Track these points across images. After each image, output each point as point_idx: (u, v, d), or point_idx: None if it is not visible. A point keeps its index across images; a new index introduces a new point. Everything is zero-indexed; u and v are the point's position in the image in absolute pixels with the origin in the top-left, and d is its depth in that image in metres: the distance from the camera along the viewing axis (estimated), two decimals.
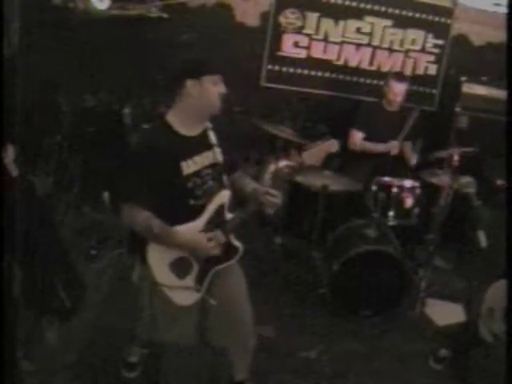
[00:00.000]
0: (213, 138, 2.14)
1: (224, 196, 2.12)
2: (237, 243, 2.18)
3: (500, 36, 4.28)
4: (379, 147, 3.95)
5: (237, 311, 2.27)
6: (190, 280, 2.08)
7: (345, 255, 3.21)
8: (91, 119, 4.17)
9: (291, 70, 4.46)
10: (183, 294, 2.08)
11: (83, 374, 2.56)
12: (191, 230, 2.01)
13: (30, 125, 2.57)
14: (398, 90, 3.89)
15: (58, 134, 3.93)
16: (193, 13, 4.16)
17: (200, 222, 2.05)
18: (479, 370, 2.50)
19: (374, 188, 3.52)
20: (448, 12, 4.55)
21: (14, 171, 2.29)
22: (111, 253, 3.71)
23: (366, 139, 4.03)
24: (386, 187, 3.51)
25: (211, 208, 2.08)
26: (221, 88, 2.02)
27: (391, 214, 3.48)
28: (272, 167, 4.06)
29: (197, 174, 2.05)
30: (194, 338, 2.22)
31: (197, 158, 2.06)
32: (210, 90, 2.00)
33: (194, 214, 2.05)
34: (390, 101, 3.95)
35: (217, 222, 2.08)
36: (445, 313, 3.41)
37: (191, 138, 2.07)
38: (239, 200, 2.23)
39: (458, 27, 4.60)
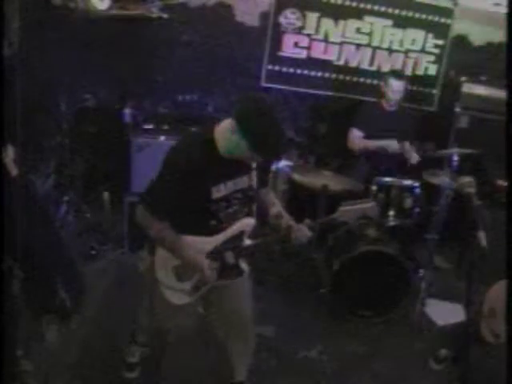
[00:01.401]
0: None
1: (247, 224, 2.08)
2: (244, 266, 2.15)
3: (500, 36, 4.29)
4: (378, 143, 3.92)
5: (237, 318, 2.27)
6: (188, 285, 2.10)
7: (345, 255, 3.21)
8: (91, 119, 4.17)
9: (291, 69, 4.45)
10: (177, 294, 2.10)
11: (83, 373, 2.56)
12: (197, 249, 1.99)
13: (29, 125, 2.56)
14: (396, 88, 3.89)
15: (58, 134, 3.93)
16: (193, 13, 4.16)
17: (214, 239, 2.04)
18: (479, 370, 2.50)
19: (373, 188, 3.52)
20: (448, 12, 4.54)
21: (14, 171, 2.29)
22: (111, 253, 3.72)
23: (365, 138, 4.02)
24: (386, 187, 3.51)
25: (230, 232, 2.05)
26: (257, 158, 1.89)
27: (391, 213, 3.48)
28: (272, 167, 4.05)
29: (225, 198, 1.99)
30: (191, 329, 2.26)
31: (230, 183, 1.98)
32: (245, 154, 1.85)
33: (212, 233, 2.03)
34: (388, 99, 3.95)
35: (232, 245, 2.06)
36: (445, 313, 3.41)
37: (230, 160, 1.91)
38: (262, 222, 2.20)
39: (457, 27, 4.59)
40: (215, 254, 2.05)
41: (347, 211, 2.16)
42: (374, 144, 3.92)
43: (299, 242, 2.11)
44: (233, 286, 2.19)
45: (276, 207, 2.22)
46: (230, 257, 2.06)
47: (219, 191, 1.95)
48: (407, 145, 4.05)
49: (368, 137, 3.99)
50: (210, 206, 1.96)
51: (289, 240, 2.11)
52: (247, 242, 2.10)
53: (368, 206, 2.28)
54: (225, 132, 1.87)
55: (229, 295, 2.22)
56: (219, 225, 2.03)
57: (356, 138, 3.99)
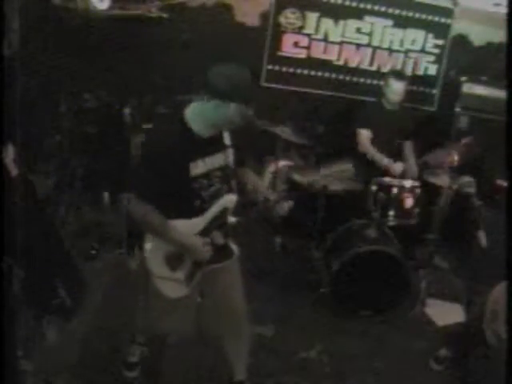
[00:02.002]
0: (227, 139, 2.10)
1: (229, 200, 2.10)
2: (234, 247, 2.18)
3: (500, 36, 4.28)
4: (383, 161, 3.81)
5: (231, 308, 2.27)
6: (180, 274, 2.10)
7: (345, 255, 3.21)
8: (91, 119, 4.17)
9: (291, 69, 4.45)
10: (173, 286, 2.10)
11: (83, 373, 2.56)
12: (187, 231, 2.01)
13: (29, 125, 2.56)
14: (397, 89, 3.88)
15: (58, 133, 3.93)
16: (193, 13, 4.15)
17: (201, 221, 2.05)
18: (479, 370, 2.50)
19: (373, 188, 3.52)
20: (448, 12, 4.54)
21: (14, 171, 2.29)
22: (111, 253, 3.72)
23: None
24: (386, 187, 3.51)
25: (214, 210, 2.07)
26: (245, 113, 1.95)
27: (391, 213, 3.48)
28: (272, 167, 4.06)
29: (205, 175, 2.03)
30: (190, 331, 2.26)
31: (207, 160, 2.03)
32: (233, 116, 1.92)
33: (197, 213, 2.05)
34: (389, 100, 3.95)
35: (218, 224, 2.08)
36: (445, 313, 3.41)
37: (205, 138, 2.01)
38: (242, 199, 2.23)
39: (457, 27, 4.59)
40: (203, 235, 2.05)
41: (326, 175, 2.18)
42: (371, 154, 3.90)
43: (280, 213, 2.15)
44: (222, 273, 2.20)
45: (253, 182, 2.27)
46: (217, 237, 2.08)
47: (197, 167, 2.00)
48: (408, 145, 4.05)
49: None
50: (192, 184, 2.00)
51: (270, 212, 2.16)
52: (231, 219, 2.12)
53: (346, 167, 2.30)
54: (197, 108, 1.97)
55: (219, 282, 2.22)
56: (203, 205, 2.05)
57: (365, 139, 3.95)
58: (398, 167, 3.75)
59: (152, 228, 2.00)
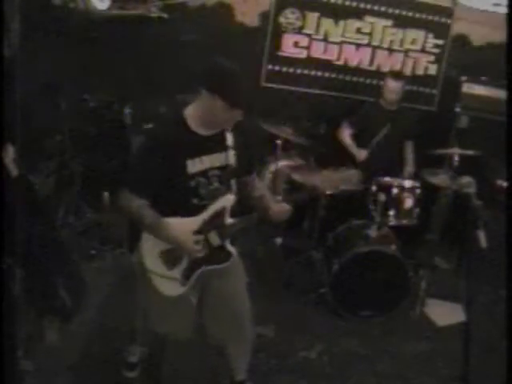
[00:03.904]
0: (229, 139, 2.09)
1: (228, 200, 2.09)
2: (231, 249, 2.15)
3: (500, 36, 4.27)
4: (353, 149, 4.02)
5: (234, 310, 2.26)
6: (177, 272, 2.09)
7: (345, 255, 3.21)
8: (91, 119, 4.17)
9: (291, 70, 4.45)
10: (169, 284, 2.10)
11: (83, 373, 2.56)
12: (181, 227, 1.99)
13: (29, 125, 2.56)
14: (392, 88, 3.89)
15: (59, 134, 3.93)
16: (193, 13, 4.16)
17: (197, 219, 2.05)
18: (479, 369, 2.49)
19: (373, 188, 3.52)
20: (448, 12, 4.54)
21: (14, 171, 2.29)
22: (111, 253, 3.72)
23: (364, 138, 4.02)
24: (386, 187, 3.51)
25: (212, 209, 2.06)
26: (233, 114, 1.94)
27: (391, 213, 3.48)
28: (272, 167, 4.06)
29: (203, 173, 2.03)
30: (189, 332, 2.25)
31: (205, 158, 2.03)
32: (220, 113, 1.92)
33: (194, 212, 2.04)
34: (387, 99, 3.95)
35: (215, 224, 2.07)
36: (445, 313, 3.41)
37: (205, 136, 2.01)
38: (246, 204, 2.22)
39: (458, 27, 4.59)
40: (200, 235, 2.05)
41: (328, 180, 2.16)
42: (351, 147, 4.03)
43: (279, 220, 2.17)
44: (224, 277, 2.18)
45: (258, 191, 2.25)
46: (214, 237, 2.07)
47: (195, 165, 2.00)
48: (408, 144, 4.06)
49: (367, 136, 3.98)
50: (189, 182, 2.00)
51: (269, 219, 2.15)
52: (229, 220, 2.10)
53: (350, 172, 2.28)
54: (196, 106, 1.99)
55: (221, 287, 2.21)
56: (201, 203, 2.04)
57: (344, 133, 4.09)
58: (361, 154, 3.90)
59: (145, 223, 1.99)
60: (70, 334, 2.80)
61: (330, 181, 2.20)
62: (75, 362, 2.62)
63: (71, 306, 2.86)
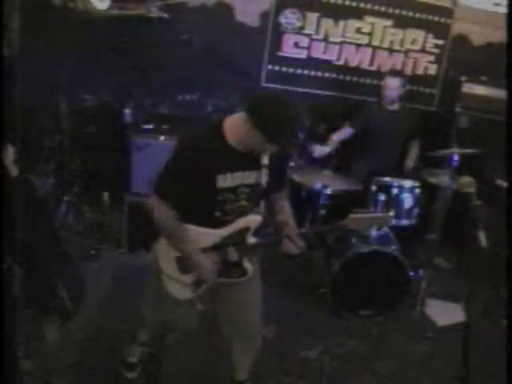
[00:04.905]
0: (265, 159, 1.98)
1: (252, 221, 2.05)
2: (248, 266, 2.11)
3: (500, 36, 4.28)
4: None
5: (245, 323, 2.26)
6: (189, 278, 2.09)
7: (345, 255, 3.21)
8: (91, 119, 4.18)
9: (291, 70, 4.45)
10: (179, 288, 2.11)
11: (83, 373, 2.56)
12: (203, 240, 2.01)
13: (29, 125, 2.56)
14: (391, 84, 3.88)
15: (58, 134, 3.93)
16: (193, 13, 4.16)
17: (219, 232, 2.03)
18: (479, 370, 2.50)
19: (373, 188, 3.52)
20: (448, 12, 4.54)
21: (14, 171, 2.28)
22: (111, 253, 3.72)
23: (365, 138, 4.02)
24: (386, 187, 3.51)
25: (235, 227, 2.03)
26: (269, 148, 1.86)
27: (391, 214, 3.47)
28: None
29: (232, 189, 1.97)
30: (196, 327, 2.26)
31: (237, 175, 1.96)
32: (257, 143, 1.83)
33: (216, 225, 2.02)
34: (386, 97, 3.94)
35: (236, 241, 2.04)
36: (445, 313, 3.41)
37: (240, 152, 1.91)
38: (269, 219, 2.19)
39: (457, 27, 4.59)
40: (218, 248, 2.04)
41: (358, 219, 2.11)
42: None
43: (288, 253, 2.08)
44: (239, 289, 2.16)
45: (283, 215, 2.16)
46: (232, 253, 2.04)
47: (225, 181, 1.94)
48: (414, 144, 4.04)
49: (368, 136, 3.99)
50: (216, 196, 1.96)
51: (280, 249, 2.08)
52: (252, 239, 2.07)
53: (381, 215, 2.23)
54: (236, 122, 1.89)
55: (234, 298, 2.20)
56: (224, 217, 2.01)
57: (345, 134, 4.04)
58: (316, 149, 3.86)
59: (169, 234, 2.00)
60: (70, 334, 2.80)
61: (360, 222, 2.15)
62: (75, 362, 2.62)
63: (71, 305, 2.86)
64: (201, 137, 1.94)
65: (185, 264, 2.07)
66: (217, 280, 2.06)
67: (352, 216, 2.07)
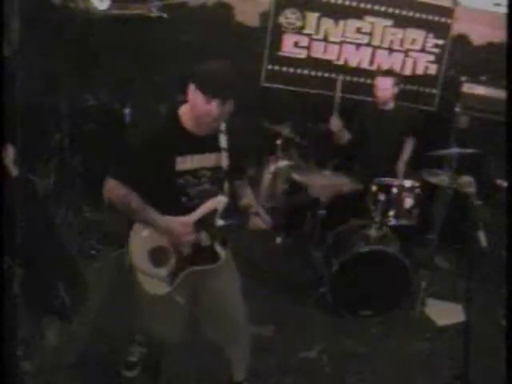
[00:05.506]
0: (223, 141, 2.07)
1: (219, 201, 2.08)
2: (220, 250, 2.13)
3: (500, 36, 4.29)
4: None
5: (227, 313, 2.25)
6: (163, 271, 2.09)
7: (345, 255, 3.21)
8: (91, 119, 4.17)
9: (291, 69, 4.46)
10: (155, 283, 2.10)
11: (83, 373, 2.56)
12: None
13: (30, 125, 2.57)
14: (382, 85, 3.83)
15: (58, 133, 3.93)
16: (193, 13, 4.16)
17: (188, 219, 2.04)
18: (479, 369, 2.50)
19: (373, 188, 3.52)
20: (448, 12, 4.55)
21: (14, 171, 2.29)
22: (111, 252, 3.72)
23: (359, 139, 4.00)
24: (386, 187, 3.51)
25: (203, 210, 2.05)
26: (211, 108, 1.89)
27: (391, 214, 3.48)
28: (272, 167, 4.06)
29: (192, 172, 2.02)
30: (178, 335, 2.25)
31: (196, 157, 2.02)
32: (201, 106, 1.90)
33: (183, 211, 2.04)
34: (378, 97, 3.91)
35: (205, 224, 2.06)
36: (445, 313, 3.41)
37: (198, 136, 2.00)
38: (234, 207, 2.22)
39: (457, 27, 4.60)
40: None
41: (320, 187, 2.14)
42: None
43: (256, 229, 2.14)
44: (214, 276, 2.16)
45: (248, 198, 2.23)
46: (204, 238, 2.06)
47: (185, 163, 1.99)
48: (409, 141, 4.01)
49: (363, 136, 3.97)
50: (177, 179, 2.00)
51: (247, 225, 2.13)
52: (220, 222, 2.09)
53: (342, 181, 2.24)
54: (188, 104, 1.98)
55: (211, 287, 2.20)
56: (190, 202, 2.04)
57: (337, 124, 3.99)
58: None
59: (134, 209, 2.00)
60: (70, 334, 2.80)
61: (324, 188, 2.19)
62: (75, 362, 2.62)
63: (71, 305, 2.86)
64: (158, 123, 2.09)
65: (158, 256, 2.07)
66: (192, 240, 2.04)
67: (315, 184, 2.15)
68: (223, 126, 2.08)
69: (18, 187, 2.24)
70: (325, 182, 2.96)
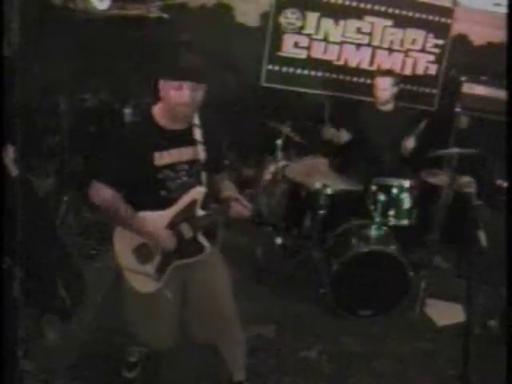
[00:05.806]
0: (198, 134, 2.12)
1: (198, 192, 2.10)
2: (204, 242, 2.14)
3: (500, 36, 4.29)
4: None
5: (217, 308, 2.22)
6: (150, 267, 2.10)
7: (345, 255, 3.21)
8: (91, 119, 4.17)
9: (291, 69, 4.46)
10: (143, 281, 2.11)
11: (83, 373, 2.56)
12: (155, 221, 2.05)
13: (30, 125, 2.57)
14: (381, 85, 3.83)
15: (58, 133, 3.93)
16: (193, 13, 4.16)
17: (169, 212, 2.07)
18: (479, 369, 2.50)
19: (373, 188, 3.52)
20: (448, 12, 4.55)
21: (14, 171, 2.29)
22: (111, 253, 3.71)
23: (359, 139, 4.00)
24: (386, 187, 3.51)
25: (183, 201, 2.08)
26: (183, 94, 1.95)
27: (391, 213, 3.48)
28: (272, 167, 4.05)
29: (170, 166, 2.06)
30: (170, 338, 2.24)
31: (173, 152, 2.06)
32: (173, 94, 1.97)
33: (164, 205, 2.07)
34: (377, 98, 3.90)
35: (186, 216, 2.09)
36: (445, 313, 3.41)
37: (172, 131, 2.06)
38: (216, 201, 2.25)
39: (457, 27, 4.60)
40: (171, 228, 2.07)
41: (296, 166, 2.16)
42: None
43: (238, 216, 2.15)
44: (201, 268, 2.17)
45: (228, 190, 2.24)
46: (185, 229, 2.08)
47: (162, 158, 2.03)
48: (409, 140, 3.97)
49: (362, 137, 3.96)
50: (156, 174, 2.03)
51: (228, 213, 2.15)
52: (200, 212, 2.11)
53: (319, 161, 2.26)
54: (160, 101, 2.06)
55: (199, 279, 2.19)
56: (169, 195, 2.07)
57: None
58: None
59: (118, 216, 2.04)
60: (70, 334, 2.80)
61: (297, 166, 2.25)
62: (75, 362, 2.62)
63: (71, 305, 2.86)
64: (132, 123, 2.21)
65: (144, 253, 2.09)
66: (174, 246, 2.06)
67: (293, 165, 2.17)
68: (197, 120, 2.11)
69: (18, 187, 2.24)
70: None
